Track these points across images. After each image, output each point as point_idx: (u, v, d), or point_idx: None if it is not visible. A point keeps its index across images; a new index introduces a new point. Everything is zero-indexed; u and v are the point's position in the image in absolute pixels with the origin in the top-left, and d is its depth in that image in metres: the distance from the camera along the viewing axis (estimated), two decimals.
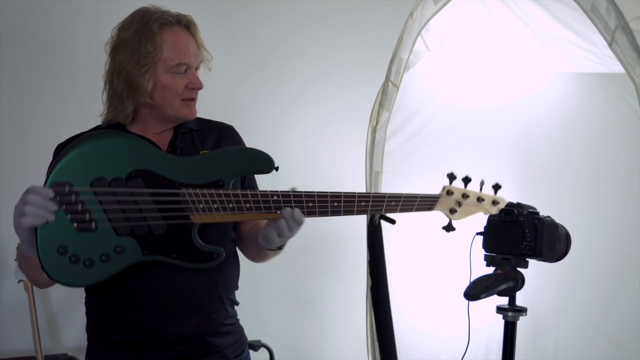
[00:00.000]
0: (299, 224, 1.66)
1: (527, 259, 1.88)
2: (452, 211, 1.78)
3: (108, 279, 1.61)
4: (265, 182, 1.81)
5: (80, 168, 1.55)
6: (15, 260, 2.48)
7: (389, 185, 3.09)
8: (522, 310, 1.88)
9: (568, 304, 3.47)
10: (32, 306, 2.75)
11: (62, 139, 1.80)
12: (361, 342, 3.25)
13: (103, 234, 1.58)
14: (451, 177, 1.76)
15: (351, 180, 3.25)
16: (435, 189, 1.86)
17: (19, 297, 2.82)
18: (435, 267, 3.33)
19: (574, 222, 2.08)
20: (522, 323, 1.89)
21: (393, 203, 1.73)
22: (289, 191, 1.66)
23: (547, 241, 1.86)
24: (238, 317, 1.90)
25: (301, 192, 1.66)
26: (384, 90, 2.98)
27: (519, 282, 1.84)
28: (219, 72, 1.87)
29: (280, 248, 1.77)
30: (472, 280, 1.83)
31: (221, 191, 1.62)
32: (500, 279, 1.82)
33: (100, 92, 1.78)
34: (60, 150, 1.76)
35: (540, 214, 1.90)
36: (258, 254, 1.87)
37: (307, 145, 3.59)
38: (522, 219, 1.87)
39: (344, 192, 1.69)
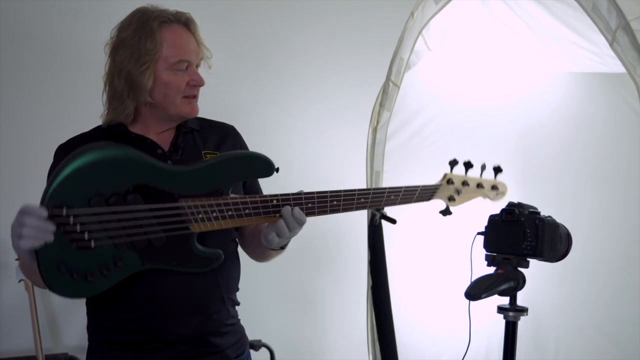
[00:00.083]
0: (300, 223, 1.65)
1: (528, 259, 1.87)
2: (451, 199, 1.80)
3: None
4: (265, 182, 1.80)
5: (76, 186, 1.52)
6: (17, 259, 2.49)
7: (390, 185, 3.09)
8: (523, 310, 1.87)
9: (569, 303, 3.47)
10: (33, 306, 2.75)
11: (62, 139, 1.80)
12: (362, 342, 3.25)
13: (103, 250, 1.57)
14: (453, 163, 1.77)
15: (352, 180, 3.23)
16: None
17: (20, 297, 2.82)
18: (436, 267, 3.33)
19: (575, 222, 2.08)
20: (523, 323, 1.89)
21: (392, 197, 1.74)
22: (288, 194, 1.65)
23: (548, 241, 1.85)
24: (239, 317, 1.90)
25: (301, 193, 1.66)
26: (384, 90, 2.98)
27: (520, 282, 1.84)
28: (219, 72, 1.87)
29: (282, 247, 1.77)
30: (473, 280, 1.83)
31: (220, 200, 1.62)
32: (501, 279, 1.81)
33: (100, 92, 1.78)
34: (61, 151, 1.76)
35: (541, 213, 1.90)
36: (261, 254, 1.88)
37: (308, 145, 3.59)
38: (523, 219, 1.86)
39: (343, 190, 1.69)
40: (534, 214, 1.88)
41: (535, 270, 1.95)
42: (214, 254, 1.67)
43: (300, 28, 3.59)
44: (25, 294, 2.78)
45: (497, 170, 1.81)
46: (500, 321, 1.90)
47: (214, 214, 1.62)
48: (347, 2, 3.65)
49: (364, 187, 3.11)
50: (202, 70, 1.79)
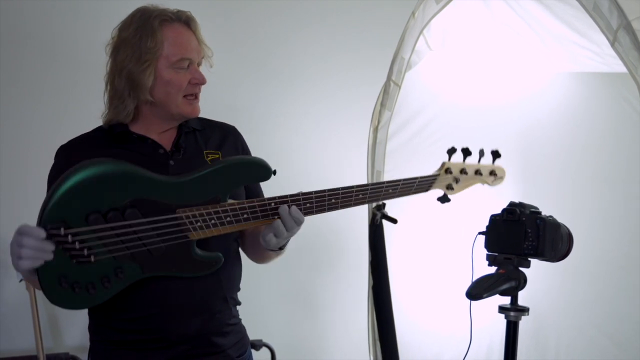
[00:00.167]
0: (298, 222, 1.65)
1: (529, 259, 1.87)
2: (449, 187, 1.80)
3: None
4: (266, 182, 1.80)
5: (72, 203, 1.51)
6: None
7: None
8: (524, 310, 1.87)
9: (570, 303, 3.47)
10: (34, 305, 2.75)
11: (62, 139, 1.80)
12: (363, 342, 3.25)
13: (103, 262, 1.57)
14: (451, 151, 1.77)
15: (352, 180, 3.19)
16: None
17: (21, 296, 2.82)
18: (437, 267, 3.33)
19: (576, 221, 2.08)
20: (523, 323, 1.89)
21: (391, 190, 1.74)
22: (286, 195, 1.65)
23: (549, 241, 1.85)
24: (240, 317, 1.89)
25: (299, 194, 1.66)
26: (385, 90, 2.98)
27: (521, 281, 1.84)
28: (219, 72, 1.87)
29: (281, 248, 1.76)
30: (474, 279, 1.83)
31: (218, 208, 1.61)
32: (502, 279, 1.81)
33: (100, 92, 1.78)
34: (62, 152, 1.77)
35: (543, 213, 1.90)
36: (260, 255, 1.88)
37: (308, 145, 3.59)
38: (524, 219, 1.86)
39: (341, 188, 1.68)
40: (535, 213, 1.88)
41: (536, 270, 1.95)
42: (213, 258, 1.67)
43: (300, 28, 3.59)
44: (26, 293, 2.78)
45: (496, 154, 1.81)
46: (501, 321, 1.90)
47: (212, 221, 1.62)
48: (347, 2, 3.64)
49: None
50: (203, 69, 1.79)
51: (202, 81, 1.75)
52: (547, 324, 3.47)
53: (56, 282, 1.54)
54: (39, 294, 2.82)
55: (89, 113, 1.87)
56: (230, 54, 3.29)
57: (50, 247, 1.49)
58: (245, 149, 1.92)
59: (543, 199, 2.46)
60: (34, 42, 2.98)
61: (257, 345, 3.12)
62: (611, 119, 3.40)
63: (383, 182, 1.76)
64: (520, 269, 1.86)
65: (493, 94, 3.44)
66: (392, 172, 3.14)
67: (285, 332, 3.52)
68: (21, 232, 1.48)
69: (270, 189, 1.85)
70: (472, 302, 1.81)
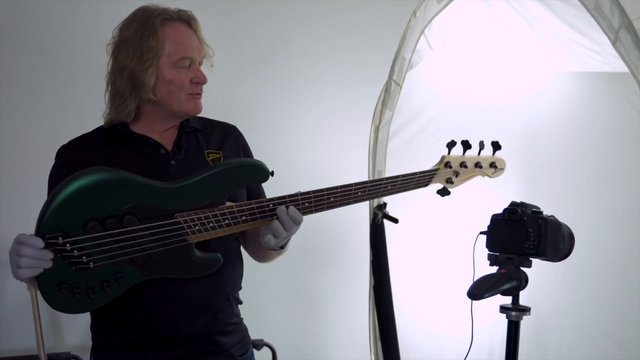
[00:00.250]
0: (296, 222, 1.65)
1: (530, 259, 1.87)
2: (449, 181, 1.79)
3: None
4: (266, 182, 1.80)
5: (70, 212, 1.51)
6: None
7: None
8: (526, 310, 1.87)
9: (571, 303, 3.47)
10: (35, 304, 2.75)
11: (62, 139, 1.79)
12: (364, 341, 3.24)
13: (103, 268, 1.57)
14: (451, 144, 1.76)
15: (353, 179, 3.21)
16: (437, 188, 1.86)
17: (22, 296, 2.82)
18: (438, 267, 3.33)
19: (577, 221, 2.07)
20: (525, 322, 1.88)
21: (390, 187, 1.73)
22: (285, 196, 1.64)
23: (550, 240, 1.85)
24: (242, 317, 1.89)
25: (297, 194, 1.65)
26: (386, 90, 2.97)
27: (523, 281, 1.83)
28: (219, 72, 1.86)
29: (282, 247, 1.76)
30: (475, 279, 1.82)
31: (216, 211, 1.61)
32: (503, 279, 1.81)
33: (100, 92, 1.78)
34: (63, 152, 1.76)
35: (544, 213, 1.89)
36: (262, 254, 1.88)
37: (309, 144, 3.58)
38: (525, 218, 1.86)
39: (340, 186, 1.68)
40: (536, 213, 1.87)
41: (537, 270, 1.95)
42: (213, 259, 1.67)
43: (301, 28, 3.58)
44: (27, 293, 2.78)
45: (496, 146, 1.80)
46: (502, 321, 1.89)
47: (211, 224, 1.62)
48: (347, 2, 3.64)
49: None
50: (204, 69, 1.78)
51: (203, 80, 1.75)
52: (549, 324, 3.47)
53: (56, 288, 1.55)
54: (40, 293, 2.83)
55: (89, 113, 1.86)
56: (231, 53, 3.28)
57: (49, 255, 1.50)
58: (246, 148, 1.91)
59: (544, 198, 2.46)
60: (34, 42, 2.97)
61: (258, 344, 3.12)
62: (613, 119, 3.40)
63: (382, 179, 1.75)
64: (522, 268, 1.86)
65: (494, 93, 3.44)
66: (393, 172, 3.10)
67: (286, 332, 3.52)
68: (19, 242, 1.49)
69: (271, 188, 1.85)
70: (474, 301, 1.81)
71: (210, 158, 1.79)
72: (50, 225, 1.50)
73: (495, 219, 1.92)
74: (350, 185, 1.70)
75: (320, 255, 3.61)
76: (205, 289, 1.72)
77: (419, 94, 3.22)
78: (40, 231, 1.50)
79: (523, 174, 3.45)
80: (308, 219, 1.70)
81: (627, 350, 3.36)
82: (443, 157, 1.82)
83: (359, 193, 1.70)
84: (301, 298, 3.65)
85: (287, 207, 1.64)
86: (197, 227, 1.61)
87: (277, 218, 1.64)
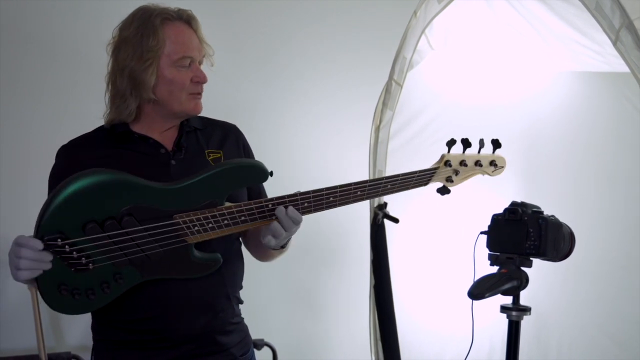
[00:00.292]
0: (295, 222, 1.65)
1: (531, 258, 1.87)
2: (449, 180, 1.79)
3: None
4: (267, 182, 1.80)
5: (69, 214, 1.51)
6: None
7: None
8: (526, 310, 1.87)
9: (571, 303, 3.47)
10: (36, 304, 2.72)
11: (62, 139, 1.79)
12: (364, 341, 3.24)
13: (102, 269, 1.58)
14: (450, 143, 1.76)
15: (353, 179, 3.22)
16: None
17: (22, 296, 2.79)
18: (438, 266, 3.33)
19: (578, 221, 2.07)
20: (525, 322, 1.88)
21: (389, 186, 1.73)
22: (284, 196, 1.64)
23: (551, 240, 1.85)
24: (242, 316, 1.89)
25: (297, 194, 1.65)
26: (387, 89, 2.97)
27: (523, 281, 1.83)
28: (219, 72, 1.86)
29: (283, 246, 1.76)
30: (475, 279, 1.82)
31: (215, 212, 1.61)
32: (504, 278, 1.81)
33: (100, 92, 1.78)
34: (64, 152, 1.77)
35: (545, 213, 1.89)
36: (263, 254, 1.88)
37: (309, 144, 3.58)
38: (526, 218, 1.86)
39: (339, 186, 1.67)
40: (537, 213, 1.87)
41: (538, 270, 1.95)
42: (212, 259, 1.67)
43: (301, 28, 3.58)
44: (27, 292, 2.74)
45: (496, 143, 1.80)
46: (503, 320, 1.89)
47: (210, 225, 1.62)
48: (347, 2, 3.63)
49: None
50: (204, 68, 1.78)
51: (203, 79, 1.75)
52: (549, 324, 3.47)
53: (56, 290, 1.56)
54: None
55: (89, 113, 1.86)
56: (231, 53, 3.28)
57: (48, 257, 1.50)
58: (246, 148, 1.91)
59: (545, 198, 2.46)
60: (34, 42, 2.97)
61: (259, 344, 3.11)
62: (613, 119, 3.40)
63: (381, 178, 1.75)
64: (522, 268, 1.86)
65: (495, 93, 3.44)
66: (393, 172, 3.12)
67: (287, 332, 3.51)
68: (18, 244, 1.49)
69: (271, 188, 1.85)
70: (474, 301, 1.81)
71: (210, 157, 1.79)
72: (49, 226, 1.50)
73: (495, 218, 1.92)
74: (350, 184, 1.70)
75: (320, 255, 3.61)
76: (206, 288, 1.72)
77: (420, 93, 3.22)
78: (39, 233, 1.50)
79: (524, 174, 3.44)
80: (308, 219, 1.69)
81: (627, 350, 3.36)
82: (443, 156, 1.82)
83: (358, 192, 1.70)
84: (302, 298, 3.65)
85: (286, 207, 1.64)
86: (196, 228, 1.61)
87: (276, 219, 1.64)
